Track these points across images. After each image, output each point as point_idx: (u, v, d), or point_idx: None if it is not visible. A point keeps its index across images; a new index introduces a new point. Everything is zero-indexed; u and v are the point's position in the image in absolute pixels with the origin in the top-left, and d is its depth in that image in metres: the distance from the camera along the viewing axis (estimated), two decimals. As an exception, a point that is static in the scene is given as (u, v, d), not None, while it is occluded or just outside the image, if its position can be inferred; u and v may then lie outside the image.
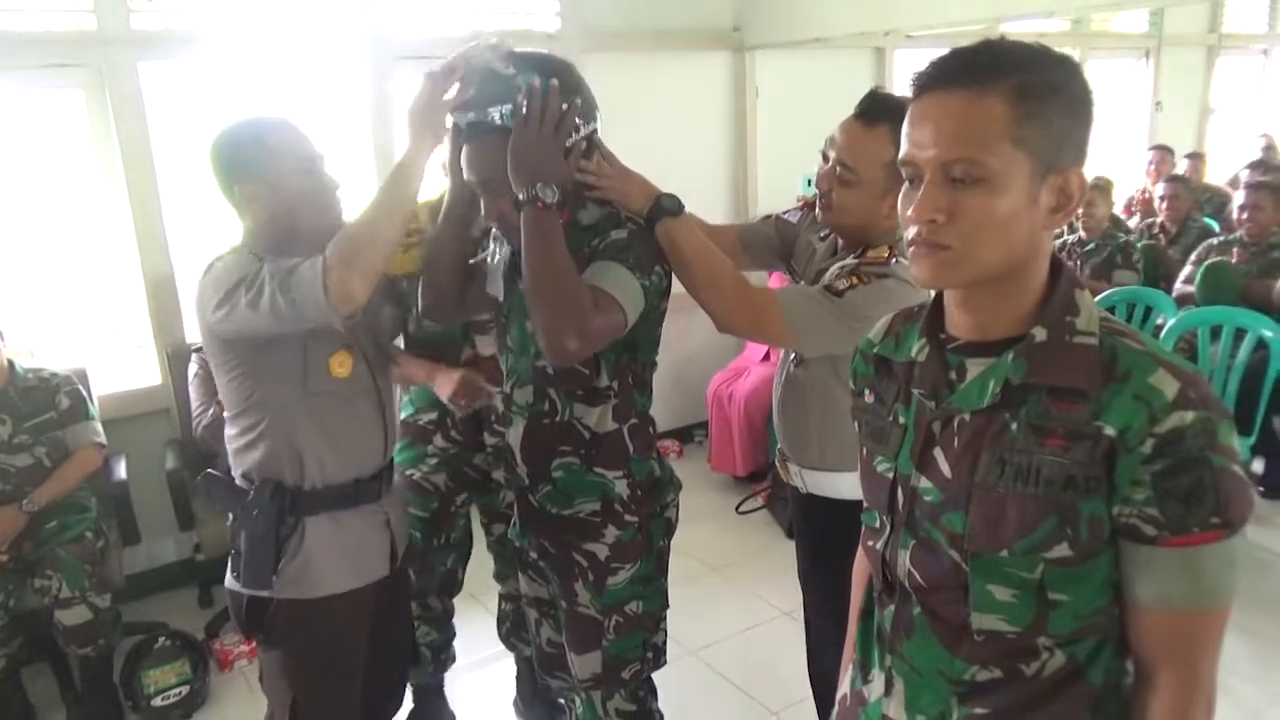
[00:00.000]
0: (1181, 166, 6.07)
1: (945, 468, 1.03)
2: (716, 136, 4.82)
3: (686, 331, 4.79)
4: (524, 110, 1.54)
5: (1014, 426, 0.98)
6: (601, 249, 1.66)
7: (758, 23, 4.61)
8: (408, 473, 2.47)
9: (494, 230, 1.83)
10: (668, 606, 1.92)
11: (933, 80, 0.96)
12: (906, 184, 0.99)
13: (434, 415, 2.49)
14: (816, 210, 1.91)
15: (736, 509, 4.13)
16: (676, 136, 4.63)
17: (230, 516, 1.83)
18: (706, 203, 4.86)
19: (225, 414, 1.83)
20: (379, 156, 3.85)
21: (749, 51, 4.73)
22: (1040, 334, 0.98)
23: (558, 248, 1.55)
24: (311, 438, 1.78)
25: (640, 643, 1.87)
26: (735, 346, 4.61)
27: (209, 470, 1.92)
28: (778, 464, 2.08)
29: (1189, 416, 0.90)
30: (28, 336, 3.30)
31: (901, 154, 0.99)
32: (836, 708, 1.27)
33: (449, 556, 2.59)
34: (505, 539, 2.57)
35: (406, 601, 2.20)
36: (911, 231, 0.98)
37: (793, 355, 1.94)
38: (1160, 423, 0.91)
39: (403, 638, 2.15)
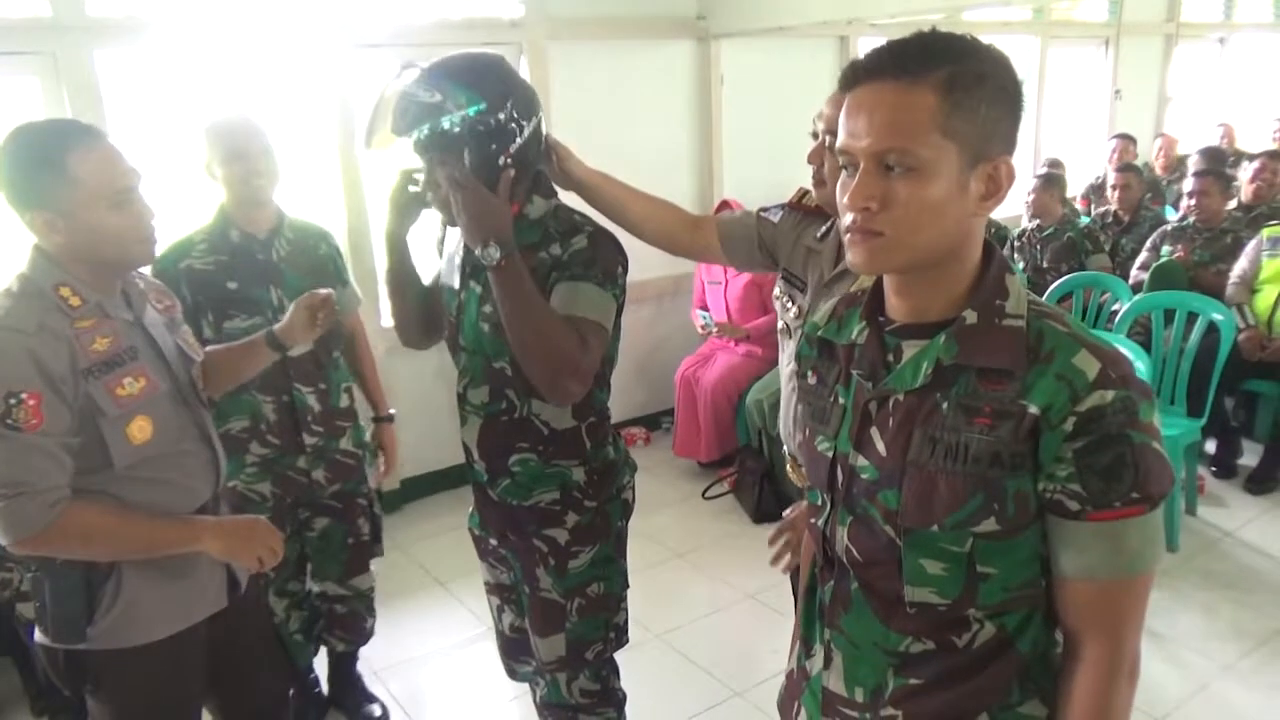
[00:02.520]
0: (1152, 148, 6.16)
1: (881, 446, 1.06)
2: (682, 125, 4.84)
3: (654, 319, 4.85)
4: (457, 180, 1.55)
5: (945, 406, 1.01)
6: (566, 260, 1.66)
7: (722, 11, 4.63)
8: (230, 484, 2.28)
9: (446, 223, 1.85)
10: (628, 587, 1.96)
11: (866, 72, 0.98)
12: (843, 173, 1.02)
13: (246, 423, 2.40)
14: (810, 195, 1.87)
15: (703, 494, 4.19)
16: (642, 125, 4.65)
17: (30, 568, 1.64)
18: (672, 191, 4.86)
19: None
20: (341, 146, 3.84)
21: (714, 40, 4.74)
22: (971, 316, 1.02)
23: (531, 300, 1.57)
24: (131, 490, 1.60)
25: (602, 623, 1.90)
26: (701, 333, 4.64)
27: None
28: (789, 470, 2.04)
29: (1109, 395, 0.94)
30: None
31: (838, 143, 1.01)
32: (784, 683, 1.31)
33: (295, 548, 2.55)
34: (329, 534, 2.59)
35: (261, 625, 2.02)
36: (848, 219, 1.01)
37: None
38: (1081, 401, 0.95)
39: (265, 663, 1.98)
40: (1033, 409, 0.96)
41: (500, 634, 2.07)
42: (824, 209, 1.86)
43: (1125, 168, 5.21)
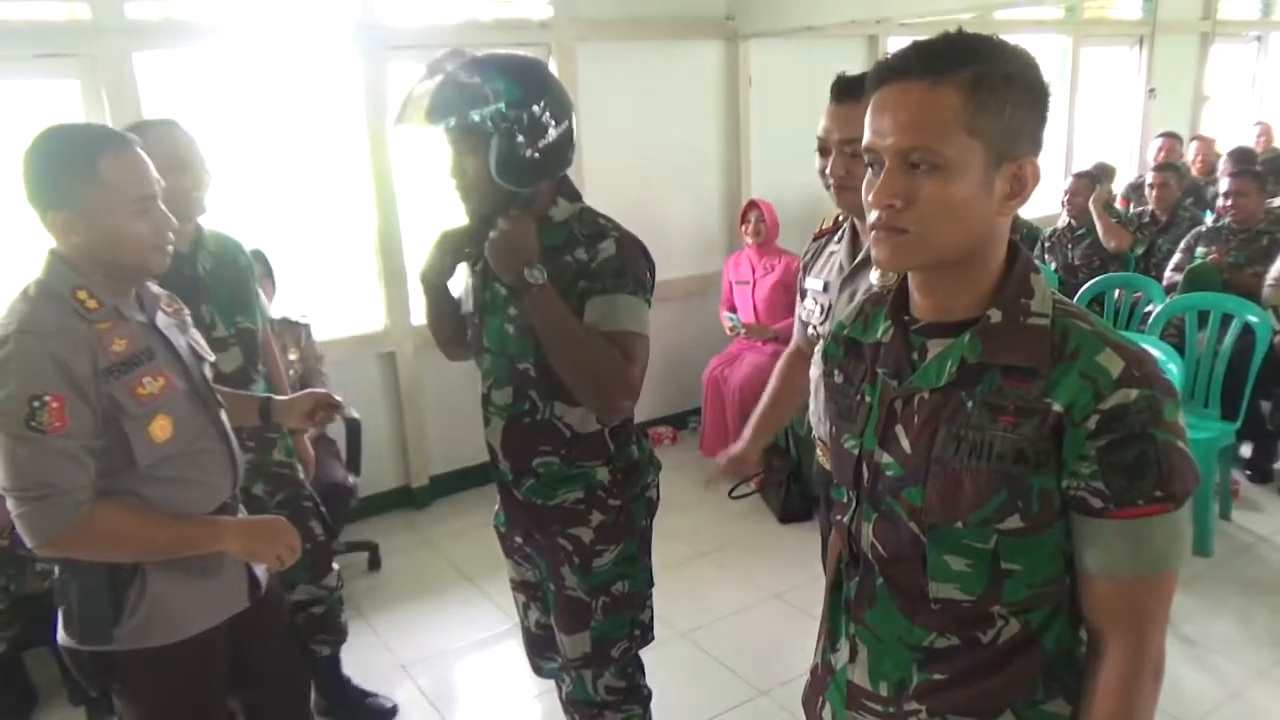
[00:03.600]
0: (1188, 148, 6.06)
1: (905, 444, 1.07)
2: (709, 125, 4.85)
3: (682, 319, 4.86)
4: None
5: (970, 404, 1.02)
6: (595, 269, 1.67)
7: (751, 11, 4.63)
8: None
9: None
10: (653, 585, 1.97)
11: (892, 71, 0.99)
12: (869, 171, 1.03)
13: None
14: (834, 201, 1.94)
15: (729, 494, 4.16)
16: (670, 125, 4.67)
17: (56, 570, 1.66)
18: (700, 190, 4.91)
19: None
20: (372, 146, 3.88)
21: (742, 40, 4.75)
22: (995, 315, 1.02)
23: (569, 323, 1.63)
24: (143, 480, 1.61)
25: (628, 621, 1.91)
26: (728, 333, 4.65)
27: None
28: (820, 455, 2.09)
29: (1133, 394, 0.94)
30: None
31: (864, 141, 1.02)
32: (809, 678, 1.32)
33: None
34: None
35: (281, 626, 2.01)
36: (873, 216, 1.01)
37: None
38: (1105, 399, 0.95)
39: (287, 662, 2.01)
40: (1056, 406, 0.97)
41: (526, 630, 2.09)
42: (839, 224, 1.96)
43: (1164, 167, 5.13)
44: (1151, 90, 7.01)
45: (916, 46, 0.99)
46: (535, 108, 1.62)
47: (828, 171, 1.83)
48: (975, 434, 1.01)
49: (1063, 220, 4.83)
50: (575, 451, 1.80)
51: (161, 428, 1.60)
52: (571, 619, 1.89)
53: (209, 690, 1.76)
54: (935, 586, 1.05)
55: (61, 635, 1.65)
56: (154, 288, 1.77)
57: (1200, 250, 4.40)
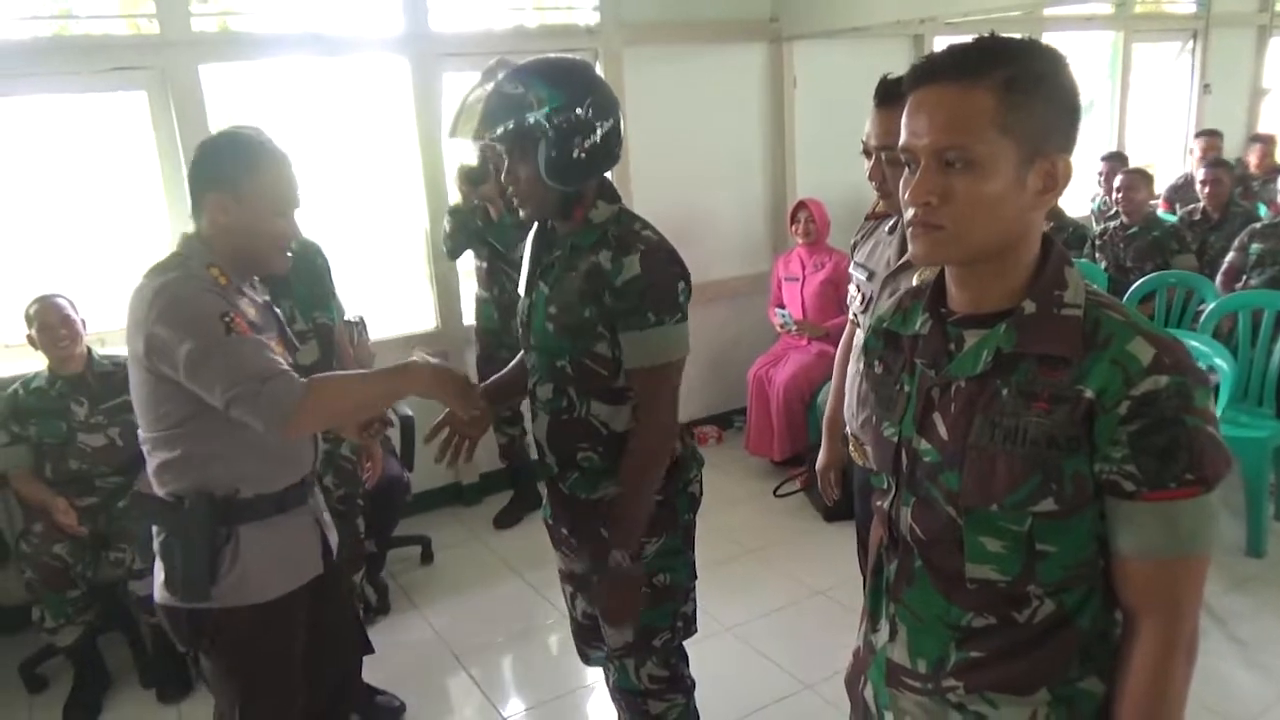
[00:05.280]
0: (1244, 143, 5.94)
1: (943, 430, 1.11)
2: (754, 126, 4.89)
3: (728, 318, 4.90)
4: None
5: (1004, 392, 1.06)
6: (620, 290, 1.71)
7: (795, 13, 4.66)
8: None
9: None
10: (696, 578, 2.01)
11: (927, 74, 1.04)
12: (905, 170, 1.08)
13: None
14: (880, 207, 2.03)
15: (774, 492, 4.22)
16: (715, 127, 4.72)
17: (158, 533, 1.78)
18: (746, 192, 4.95)
19: (144, 432, 1.76)
20: (424, 150, 3.99)
21: (786, 42, 4.78)
22: (1030, 306, 1.06)
23: (646, 501, 1.82)
24: (242, 453, 1.74)
25: (669, 613, 1.95)
26: (775, 331, 4.67)
27: (136, 489, 1.97)
28: (851, 450, 2.15)
29: (1163, 380, 0.98)
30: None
31: (901, 142, 1.07)
32: (851, 660, 1.36)
33: None
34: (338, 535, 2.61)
35: (343, 593, 2.17)
36: (910, 213, 1.06)
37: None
38: (1136, 385, 0.98)
39: (345, 626, 2.15)
40: (1088, 393, 1.00)
41: (573, 620, 2.15)
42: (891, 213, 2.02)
43: (1215, 163, 5.04)
44: (1206, 85, 6.89)
45: (951, 50, 1.04)
46: (579, 109, 1.68)
47: (868, 176, 1.90)
48: (1010, 420, 1.05)
49: (1114, 220, 4.77)
50: (614, 450, 1.85)
51: None
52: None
53: (290, 651, 1.88)
54: (971, 567, 1.09)
55: (161, 594, 1.79)
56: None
57: (1255, 247, 4.32)
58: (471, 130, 1.73)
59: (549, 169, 1.70)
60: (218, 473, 1.73)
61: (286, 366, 1.69)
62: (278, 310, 1.98)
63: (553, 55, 1.76)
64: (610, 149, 1.76)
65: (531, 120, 1.66)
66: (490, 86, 1.71)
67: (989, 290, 1.09)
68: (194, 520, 1.72)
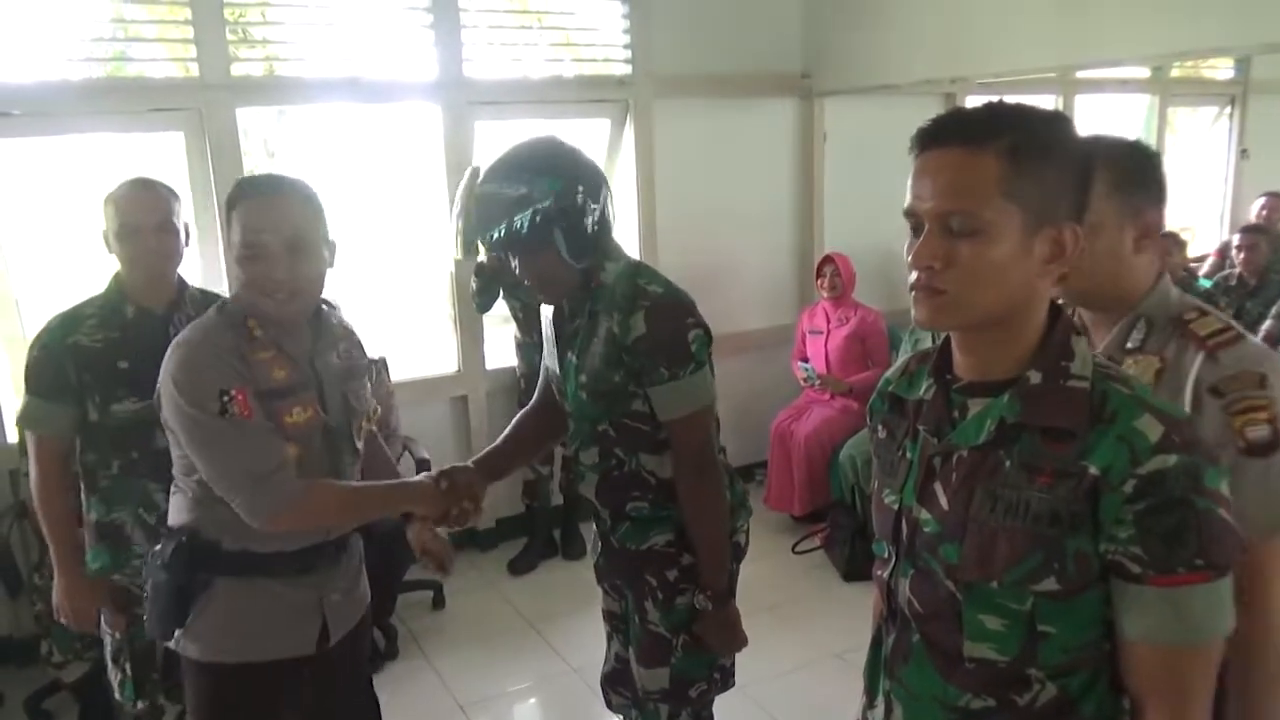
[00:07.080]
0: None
1: (943, 500, 1.08)
2: (783, 180, 4.90)
3: (751, 370, 4.87)
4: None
5: (1007, 463, 1.03)
6: (630, 347, 1.73)
7: (827, 69, 4.69)
8: (114, 578, 2.20)
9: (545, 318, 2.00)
10: None
11: (933, 138, 1.03)
12: (910, 233, 1.06)
13: (127, 515, 2.16)
14: None
15: (793, 549, 4.15)
16: (744, 181, 4.73)
17: (155, 560, 1.75)
18: (774, 245, 4.95)
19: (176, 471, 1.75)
20: (452, 196, 4.03)
21: (817, 98, 4.80)
22: (1035, 376, 1.03)
23: (722, 537, 1.87)
24: (225, 504, 1.65)
25: (707, 663, 1.93)
26: (798, 385, 4.63)
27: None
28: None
29: (1171, 460, 0.94)
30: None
31: (905, 205, 1.06)
32: (849, 735, 1.32)
33: None
34: None
35: (354, 680, 2.00)
36: (913, 277, 1.04)
37: None
38: (1142, 464, 0.95)
39: (359, 709, 2.02)
40: (1093, 469, 0.97)
41: (607, 660, 2.14)
42: None
43: (1252, 228, 4.98)
44: (1244, 151, 6.82)
45: (957, 114, 1.03)
46: (580, 186, 1.72)
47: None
48: (1012, 493, 1.01)
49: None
50: (661, 494, 1.86)
51: (290, 454, 1.70)
52: (652, 654, 1.92)
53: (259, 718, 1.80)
54: (970, 645, 1.05)
55: (147, 623, 1.80)
56: (340, 328, 1.90)
57: (1293, 315, 4.24)
58: (487, 242, 1.77)
59: (571, 250, 1.73)
60: (204, 516, 1.71)
61: (282, 460, 1.62)
62: (359, 365, 1.92)
63: (520, 145, 1.78)
64: (610, 215, 1.81)
65: (541, 211, 1.69)
66: (489, 190, 1.74)
67: (994, 357, 1.07)
68: (174, 556, 1.69)
